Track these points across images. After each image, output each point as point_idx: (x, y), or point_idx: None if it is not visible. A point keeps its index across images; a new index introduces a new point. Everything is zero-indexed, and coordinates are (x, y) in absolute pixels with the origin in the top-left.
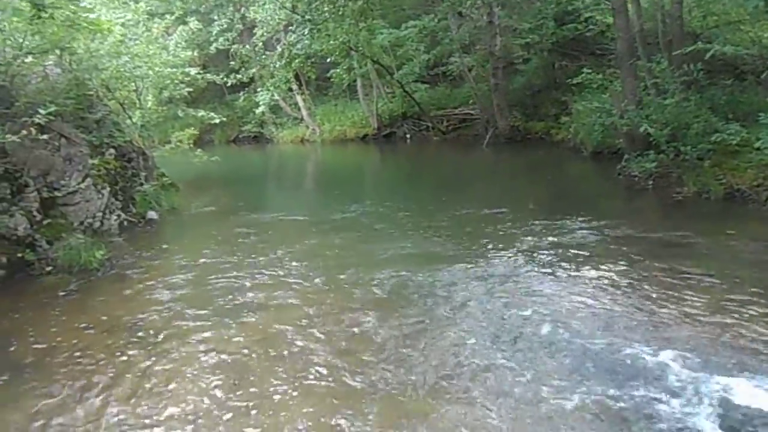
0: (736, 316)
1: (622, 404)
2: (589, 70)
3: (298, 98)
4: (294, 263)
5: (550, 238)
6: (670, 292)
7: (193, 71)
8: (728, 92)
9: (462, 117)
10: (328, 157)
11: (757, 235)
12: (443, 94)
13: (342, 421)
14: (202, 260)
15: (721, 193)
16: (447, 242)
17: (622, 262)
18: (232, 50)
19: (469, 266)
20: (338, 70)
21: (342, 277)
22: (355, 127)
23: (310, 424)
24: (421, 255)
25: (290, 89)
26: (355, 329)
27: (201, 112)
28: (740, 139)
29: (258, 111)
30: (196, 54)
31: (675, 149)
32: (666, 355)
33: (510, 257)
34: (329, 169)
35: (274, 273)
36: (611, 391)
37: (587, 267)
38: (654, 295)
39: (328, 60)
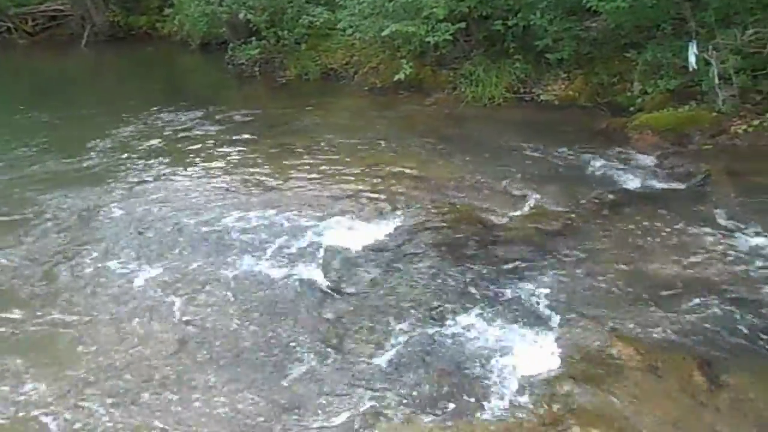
0: (331, 174)
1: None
2: None
3: None
4: None
5: (167, 132)
6: (280, 162)
7: None
8: None
9: (51, 14)
10: None
11: (346, 106)
12: None
13: None
14: None
15: (318, 74)
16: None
17: (238, 145)
18: None
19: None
20: None
21: None
22: None
23: None
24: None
25: None
26: None
27: None
28: (324, 20)
29: None
30: None
31: (275, 35)
32: (271, 214)
33: (122, 154)
34: None
35: None
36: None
37: (204, 154)
38: (267, 169)
39: None
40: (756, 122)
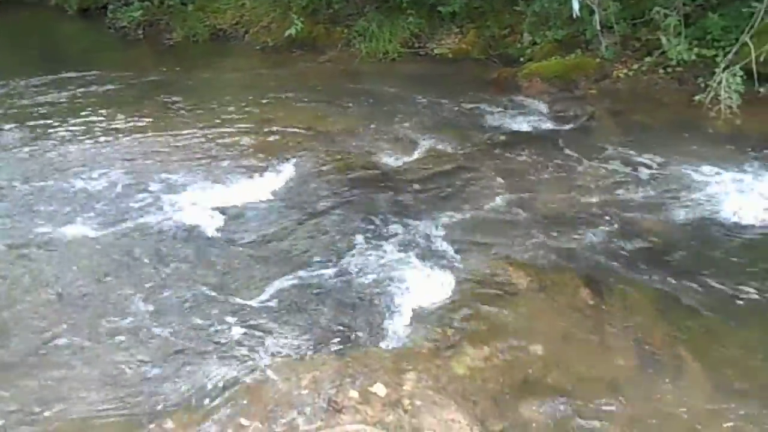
0: (219, 133)
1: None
2: None
3: None
4: None
5: (47, 98)
6: (165, 122)
7: None
8: None
9: None
10: None
11: (236, 65)
12: None
13: None
14: None
15: (207, 35)
16: None
17: (121, 107)
18: None
19: None
20: None
21: None
22: None
23: None
24: None
25: None
26: None
27: None
28: None
29: None
30: None
31: None
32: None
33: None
34: None
35: None
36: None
37: (86, 117)
38: (151, 130)
39: None
40: (635, 67)
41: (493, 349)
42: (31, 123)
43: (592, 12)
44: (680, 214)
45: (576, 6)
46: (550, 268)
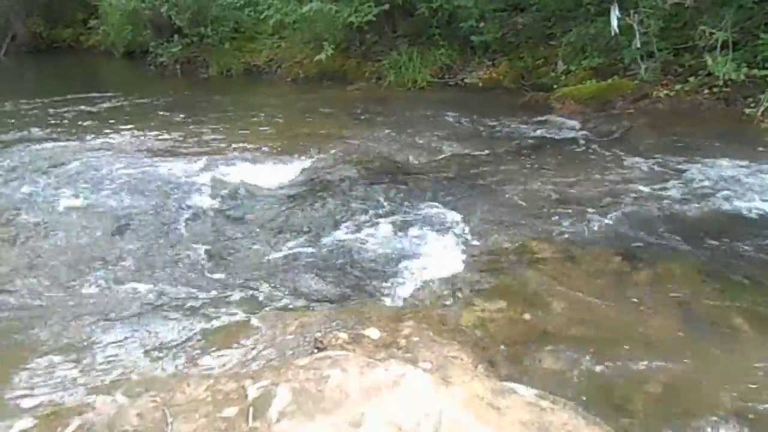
0: (244, 138)
1: None
2: None
3: None
4: None
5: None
6: (195, 130)
7: None
8: None
9: None
10: None
11: (267, 93)
12: None
13: None
14: None
15: (242, 70)
16: None
17: (154, 121)
18: None
19: None
20: None
21: None
22: None
23: None
24: None
25: None
26: None
27: None
28: (250, 20)
29: None
30: None
31: (198, 33)
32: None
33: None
34: None
35: None
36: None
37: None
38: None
39: None
40: (678, 86)
41: (509, 303)
42: (83, 125)
43: (631, 35)
44: (719, 205)
45: (615, 23)
46: (579, 242)
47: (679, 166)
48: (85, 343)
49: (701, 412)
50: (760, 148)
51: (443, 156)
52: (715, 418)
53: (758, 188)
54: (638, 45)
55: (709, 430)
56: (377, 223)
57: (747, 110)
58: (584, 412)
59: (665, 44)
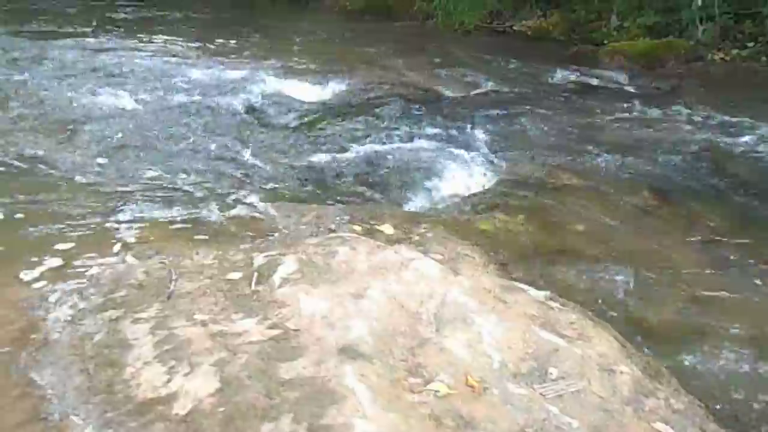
0: (284, 56)
1: None
2: None
3: None
4: None
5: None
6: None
7: None
8: None
9: None
10: None
11: (312, 21)
12: None
13: None
14: None
15: None
16: None
17: (194, 36)
18: None
19: None
20: None
21: None
22: None
23: None
24: None
25: None
26: None
27: None
28: None
29: None
30: None
31: None
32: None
33: None
34: None
35: None
36: None
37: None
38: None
39: None
40: (735, 51)
41: (528, 219)
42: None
43: None
44: (760, 161)
45: None
46: (608, 177)
47: (724, 123)
48: (108, 214)
49: (713, 336)
50: None
51: (482, 91)
52: (727, 343)
53: None
54: (699, 4)
55: (718, 351)
56: (407, 141)
57: None
58: (592, 315)
59: (727, 7)
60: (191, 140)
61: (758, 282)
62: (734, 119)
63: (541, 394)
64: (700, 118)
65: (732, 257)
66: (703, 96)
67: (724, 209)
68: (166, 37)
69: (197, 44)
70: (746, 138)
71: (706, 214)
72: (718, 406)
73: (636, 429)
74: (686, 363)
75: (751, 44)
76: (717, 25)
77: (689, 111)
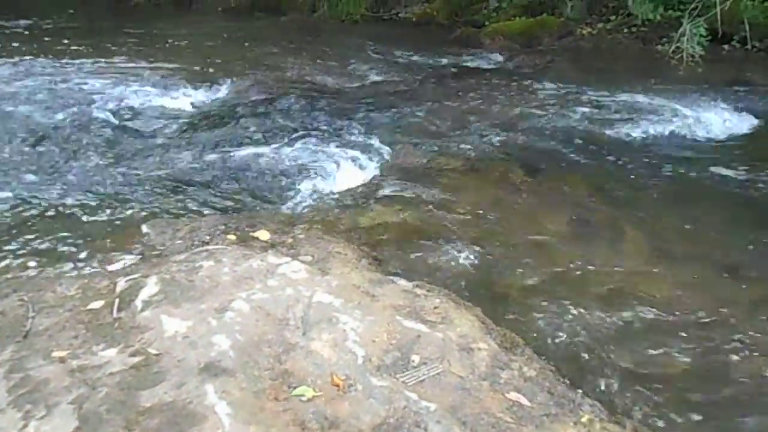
0: (164, 59)
1: None
2: None
3: None
4: None
5: None
6: (106, 52)
7: None
8: None
9: None
10: None
11: (194, 21)
12: None
13: None
14: None
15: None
16: None
17: (70, 47)
18: None
19: None
20: None
21: None
22: None
23: None
24: None
25: None
26: None
27: None
28: None
29: None
30: None
31: None
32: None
33: None
34: None
35: None
36: None
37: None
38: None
39: None
40: (600, 25)
41: (406, 209)
42: None
43: None
44: (620, 129)
45: None
46: (486, 157)
47: (591, 96)
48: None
49: (578, 299)
50: (667, 84)
51: (369, 82)
52: (591, 302)
53: (655, 117)
54: None
55: (580, 312)
56: (290, 141)
57: (659, 47)
58: (456, 297)
59: None
60: (54, 161)
61: (616, 249)
62: (600, 92)
63: (403, 382)
64: (570, 92)
65: (594, 225)
66: (572, 72)
67: (591, 180)
68: (31, 49)
69: (69, 58)
70: (610, 107)
71: (570, 186)
72: (566, 367)
73: (491, 402)
74: (542, 330)
75: (613, 17)
76: (584, 1)
77: (561, 85)
